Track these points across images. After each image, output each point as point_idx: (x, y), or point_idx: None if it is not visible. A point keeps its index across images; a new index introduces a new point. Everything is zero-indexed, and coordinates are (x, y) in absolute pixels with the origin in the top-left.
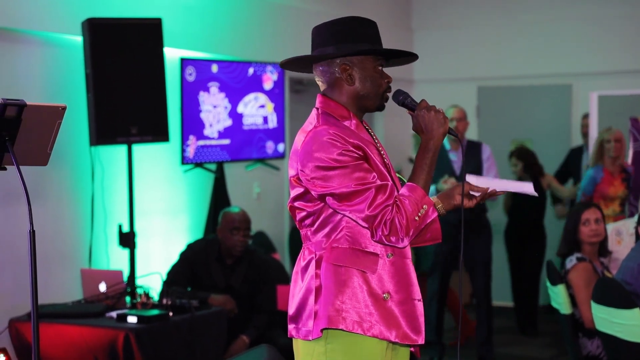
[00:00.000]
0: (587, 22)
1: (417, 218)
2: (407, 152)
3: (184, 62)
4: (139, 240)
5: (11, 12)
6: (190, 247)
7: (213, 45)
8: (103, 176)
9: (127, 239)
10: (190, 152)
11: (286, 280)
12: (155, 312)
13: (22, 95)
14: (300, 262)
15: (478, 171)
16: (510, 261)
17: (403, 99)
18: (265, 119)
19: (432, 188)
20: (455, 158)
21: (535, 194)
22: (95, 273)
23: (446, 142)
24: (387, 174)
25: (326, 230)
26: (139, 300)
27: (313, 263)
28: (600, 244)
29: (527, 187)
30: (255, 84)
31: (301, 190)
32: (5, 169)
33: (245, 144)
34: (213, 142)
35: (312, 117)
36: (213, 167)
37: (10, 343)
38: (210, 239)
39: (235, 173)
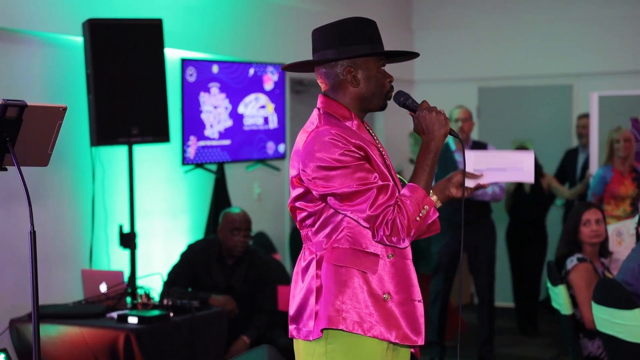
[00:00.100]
0: (587, 23)
1: (418, 218)
2: (407, 153)
3: (185, 63)
4: (139, 241)
5: (12, 12)
6: (190, 247)
7: (214, 46)
8: (104, 177)
9: (128, 240)
10: (191, 152)
11: (287, 280)
12: (155, 312)
13: (23, 96)
14: (301, 263)
15: None
16: (511, 261)
17: (404, 100)
18: (266, 120)
19: None
20: (461, 158)
21: (532, 180)
22: (95, 273)
23: (452, 143)
24: (389, 175)
25: (327, 230)
26: (139, 300)
27: (314, 263)
28: (601, 245)
29: (527, 162)
30: (255, 85)
31: (302, 190)
32: (5, 169)
33: (245, 145)
34: (214, 143)
35: (314, 117)
36: (214, 167)
37: (11, 344)
38: (210, 240)
39: (236, 173)
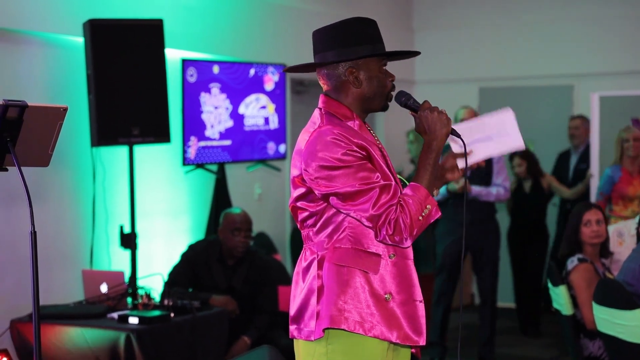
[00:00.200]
0: (588, 23)
1: (420, 218)
2: (407, 153)
3: (185, 63)
4: (140, 241)
5: (13, 13)
6: (191, 248)
7: (214, 46)
8: (104, 177)
9: (129, 240)
10: (192, 153)
11: (287, 281)
12: (156, 313)
13: (24, 96)
14: (302, 263)
15: (489, 173)
16: (513, 262)
17: (405, 100)
18: (267, 120)
19: (442, 188)
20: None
21: (522, 143)
22: (96, 274)
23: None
24: (390, 175)
25: (328, 230)
26: (140, 301)
27: (315, 263)
28: (601, 245)
29: (509, 123)
30: (256, 85)
31: (304, 190)
32: (6, 169)
33: (246, 145)
34: (214, 143)
35: (316, 117)
36: (214, 168)
37: (11, 344)
38: (211, 240)
39: (237, 174)
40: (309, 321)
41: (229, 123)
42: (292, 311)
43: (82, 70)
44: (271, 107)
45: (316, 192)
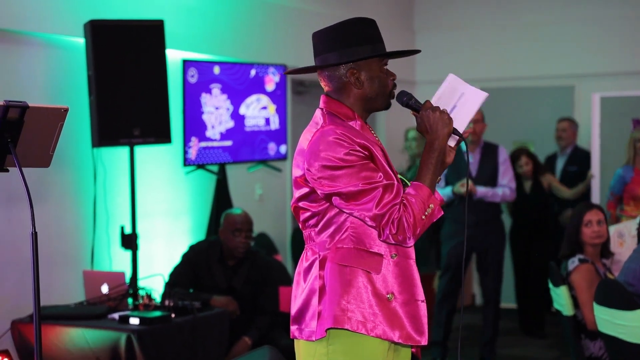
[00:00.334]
0: (589, 24)
1: (424, 217)
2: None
3: (186, 64)
4: (141, 242)
5: (14, 13)
6: (192, 248)
7: (215, 47)
8: (105, 178)
9: (129, 241)
10: (192, 153)
11: (288, 281)
12: (157, 313)
13: (25, 97)
14: (303, 263)
15: (494, 173)
16: (515, 262)
17: (407, 100)
18: (267, 121)
19: (448, 190)
20: (472, 159)
21: (483, 92)
22: (97, 275)
23: (462, 144)
24: (392, 174)
25: (330, 230)
26: (141, 301)
27: (316, 263)
28: (602, 246)
29: (456, 83)
30: (257, 86)
31: (306, 190)
32: (7, 170)
33: (247, 146)
34: (215, 144)
35: (318, 117)
36: (215, 168)
37: (12, 345)
38: (212, 241)
39: (237, 174)
40: (310, 321)
41: (230, 124)
42: (293, 311)
43: (83, 71)
44: (272, 108)
45: (319, 192)
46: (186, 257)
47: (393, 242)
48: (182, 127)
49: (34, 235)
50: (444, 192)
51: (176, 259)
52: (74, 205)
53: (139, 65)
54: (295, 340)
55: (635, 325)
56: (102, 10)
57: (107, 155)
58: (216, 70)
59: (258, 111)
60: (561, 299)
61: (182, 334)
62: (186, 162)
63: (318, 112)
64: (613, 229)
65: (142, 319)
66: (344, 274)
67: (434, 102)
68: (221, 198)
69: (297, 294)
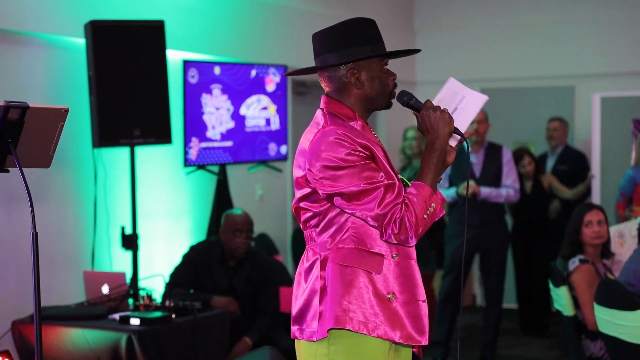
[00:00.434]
0: (589, 24)
1: (425, 216)
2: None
3: (187, 64)
4: (141, 242)
5: (14, 14)
6: (192, 249)
7: (215, 47)
8: (106, 178)
9: (130, 241)
10: (193, 154)
11: (289, 282)
12: (158, 314)
13: (25, 98)
14: (304, 263)
15: (498, 174)
16: (516, 263)
17: (408, 100)
18: (268, 121)
19: (452, 191)
20: (476, 160)
21: (484, 96)
22: (98, 275)
23: (465, 144)
24: (393, 174)
25: (331, 231)
26: (141, 302)
27: (317, 264)
28: (603, 246)
29: (456, 87)
30: (257, 86)
31: (308, 190)
32: (7, 171)
33: (247, 146)
34: (215, 144)
35: (319, 118)
36: (215, 169)
37: (13, 345)
38: (212, 241)
39: (238, 175)
40: (311, 322)
41: (230, 124)
42: (294, 312)
43: (84, 71)
44: (272, 108)
45: (320, 192)
46: (187, 257)
47: (395, 241)
48: (182, 128)
49: (35, 235)
50: (448, 192)
51: (177, 260)
52: (74, 206)
53: (140, 65)
54: (296, 340)
55: (636, 326)
56: (102, 11)
57: (108, 155)
58: (217, 70)
59: (258, 112)
60: (562, 299)
61: (183, 334)
62: (187, 162)
63: (319, 113)
64: (613, 230)
65: (142, 320)
66: (345, 274)
67: (439, 99)
68: (222, 198)
69: (298, 295)
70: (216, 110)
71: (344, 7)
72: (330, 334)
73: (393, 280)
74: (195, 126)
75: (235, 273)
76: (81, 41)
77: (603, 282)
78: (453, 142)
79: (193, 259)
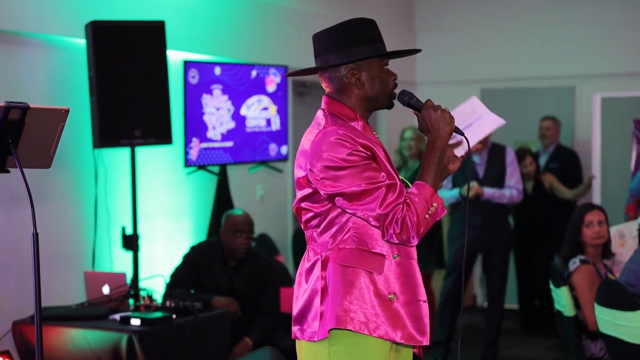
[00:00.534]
0: (590, 24)
1: (427, 216)
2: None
3: (187, 65)
4: (142, 243)
5: (15, 14)
6: (193, 249)
7: (216, 48)
8: (106, 179)
9: (131, 242)
10: (193, 154)
11: (289, 282)
12: (158, 314)
13: (26, 98)
14: (305, 264)
15: (501, 174)
16: (517, 263)
17: (408, 99)
18: (269, 122)
19: (456, 192)
20: (479, 160)
21: (501, 119)
22: (98, 275)
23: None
24: (394, 174)
25: (332, 231)
26: (142, 302)
27: (318, 264)
28: (603, 246)
29: (477, 106)
30: (258, 87)
31: (309, 191)
32: (8, 171)
33: (248, 147)
34: (216, 145)
35: (320, 118)
36: (216, 169)
37: (13, 346)
38: (213, 242)
39: (238, 175)
40: (312, 322)
41: (231, 124)
42: (295, 312)
43: (84, 71)
44: (273, 109)
45: (322, 192)
46: (187, 257)
47: (397, 241)
48: (183, 128)
49: (35, 236)
50: (451, 193)
51: (177, 260)
52: (75, 206)
53: (140, 66)
54: (297, 340)
55: (636, 326)
56: (103, 11)
57: (108, 156)
58: (217, 71)
59: (259, 112)
60: (562, 299)
61: (183, 334)
62: (187, 162)
63: (320, 113)
64: (614, 230)
65: (143, 320)
66: (346, 275)
67: (456, 114)
68: (222, 199)
69: (299, 295)
70: (217, 111)
71: (344, 8)
72: (331, 334)
73: (394, 280)
74: (195, 126)
75: (235, 273)
76: (82, 42)
77: (604, 283)
78: (460, 152)
79: (194, 259)
